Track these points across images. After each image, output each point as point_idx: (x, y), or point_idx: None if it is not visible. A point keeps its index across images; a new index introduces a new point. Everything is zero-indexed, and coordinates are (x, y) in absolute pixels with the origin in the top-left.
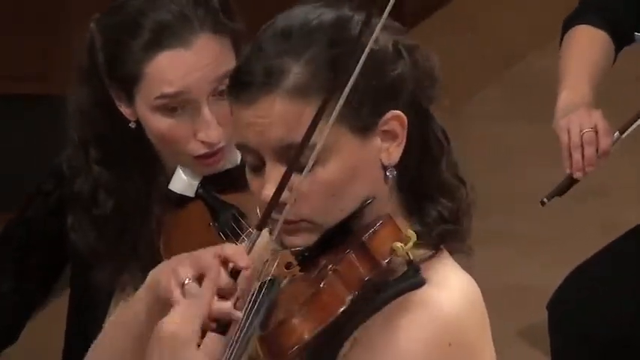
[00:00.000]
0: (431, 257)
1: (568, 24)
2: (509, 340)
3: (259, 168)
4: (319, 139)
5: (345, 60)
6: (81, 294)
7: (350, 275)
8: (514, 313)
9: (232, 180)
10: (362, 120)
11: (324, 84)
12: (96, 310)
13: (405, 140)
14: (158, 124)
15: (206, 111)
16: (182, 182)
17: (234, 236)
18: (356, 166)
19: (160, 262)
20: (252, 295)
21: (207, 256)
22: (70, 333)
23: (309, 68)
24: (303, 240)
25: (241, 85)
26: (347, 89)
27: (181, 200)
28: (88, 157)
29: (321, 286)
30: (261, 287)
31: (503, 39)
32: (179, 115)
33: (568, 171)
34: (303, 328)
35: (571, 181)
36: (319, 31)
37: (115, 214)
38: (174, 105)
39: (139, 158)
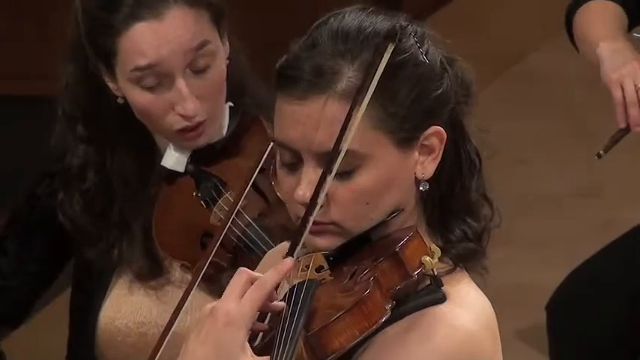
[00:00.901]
0: (449, 272)
1: (575, 5)
2: (507, 341)
3: (294, 166)
4: (366, 148)
5: (393, 73)
6: (81, 272)
7: (386, 284)
8: (513, 313)
9: (220, 152)
10: (405, 133)
11: (377, 91)
12: (98, 289)
13: (440, 156)
14: (138, 98)
15: (181, 83)
16: (173, 158)
17: (212, 203)
18: (393, 177)
19: (152, 238)
20: (294, 294)
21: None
22: (73, 314)
23: (360, 74)
24: (327, 242)
25: (290, 79)
26: (369, 92)
27: (173, 176)
28: (75, 134)
29: (365, 294)
30: (300, 287)
31: (503, 39)
32: (157, 88)
33: (622, 125)
34: (347, 335)
35: (625, 133)
36: (375, 38)
37: (102, 190)
38: (150, 77)
39: (129, 135)
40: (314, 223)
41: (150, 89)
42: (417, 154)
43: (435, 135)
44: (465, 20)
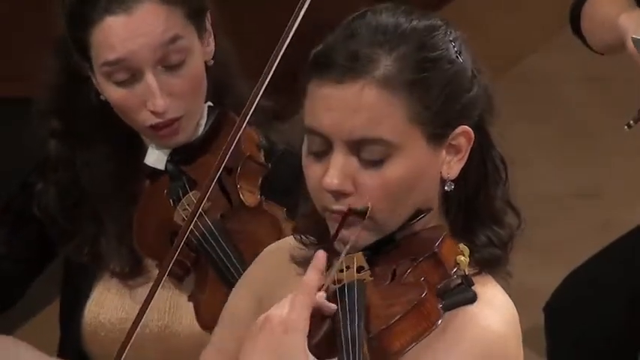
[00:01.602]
0: (475, 275)
1: (579, 2)
2: None
3: (323, 153)
4: (398, 138)
5: (430, 66)
6: (69, 267)
7: (432, 284)
8: None
9: (198, 151)
10: (437, 129)
11: (407, 83)
12: (83, 285)
13: (466, 157)
14: (112, 93)
15: (150, 79)
16: (154, 156)
17: (177, 202)
18: (420, 172)
19: (132, 236)
20: (346, 295)
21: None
22: (62, 308)
23: (398, 64)
24: (357, 236)
25: (326, 63)
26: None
27: (156, 174)
28: (50, 128)
29: (423, 296)
30: (350, 288)
31: (502, 40)
32: (129, 84)
33: None
34: (408, 336)
35: None
36: (413, 33)
37: (73, 186)
38: (121, 72)
39: (109, 132)
40: (336, 212)
41: (122, 84)
42: (444, 152)
43: (463, 135)
44: (464, 22)
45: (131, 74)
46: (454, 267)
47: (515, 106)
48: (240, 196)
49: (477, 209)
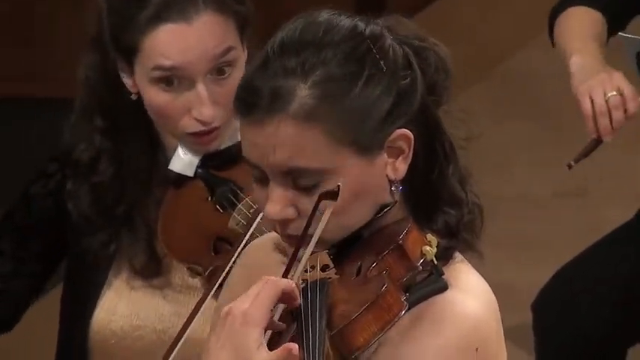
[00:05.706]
0: (445, 264)
1: (557, 10)
2: None
3: (264, 180)
4: (325, 163)
5: (347, 85)
6: (75, 271)
7: (395, 277)
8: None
9: (231, 158)
10: (368, 142)
11: (324, 111)
12: (91, 289)
13: (411, 155)
14: (154, 97)
15: (201, 88)
16: (181, 162)
17: (231, 207)
18: (361, 184)
19: (155, 237)
20: (309, 295)
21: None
22: (64, 313)
23: (316, 91)
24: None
25: (247, 105)
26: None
27: (181, 180)
28: (93, 125)
29: (384, 289)
30: (313, 288)
31: (488, 39)
32: (175, 89)
33: (594, 136)
34: (370, 330)
35: (597, 144)
36: (329, 48)
37: (113, 182)
38: (170, 78)
39: (141, 131)
40: (289, 237)
41: (168, 90)
42: (385, 155)
43: (400, 138)
44: (450, 21)
45: (180, 81)
46: (420, 258)
47: (500, 106)
48: None
49: (431, 189)
